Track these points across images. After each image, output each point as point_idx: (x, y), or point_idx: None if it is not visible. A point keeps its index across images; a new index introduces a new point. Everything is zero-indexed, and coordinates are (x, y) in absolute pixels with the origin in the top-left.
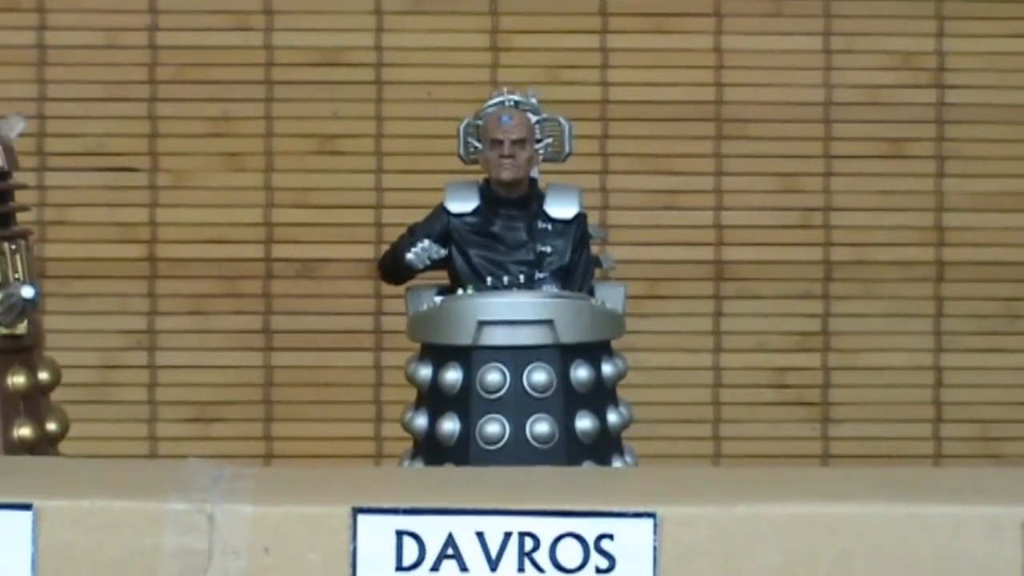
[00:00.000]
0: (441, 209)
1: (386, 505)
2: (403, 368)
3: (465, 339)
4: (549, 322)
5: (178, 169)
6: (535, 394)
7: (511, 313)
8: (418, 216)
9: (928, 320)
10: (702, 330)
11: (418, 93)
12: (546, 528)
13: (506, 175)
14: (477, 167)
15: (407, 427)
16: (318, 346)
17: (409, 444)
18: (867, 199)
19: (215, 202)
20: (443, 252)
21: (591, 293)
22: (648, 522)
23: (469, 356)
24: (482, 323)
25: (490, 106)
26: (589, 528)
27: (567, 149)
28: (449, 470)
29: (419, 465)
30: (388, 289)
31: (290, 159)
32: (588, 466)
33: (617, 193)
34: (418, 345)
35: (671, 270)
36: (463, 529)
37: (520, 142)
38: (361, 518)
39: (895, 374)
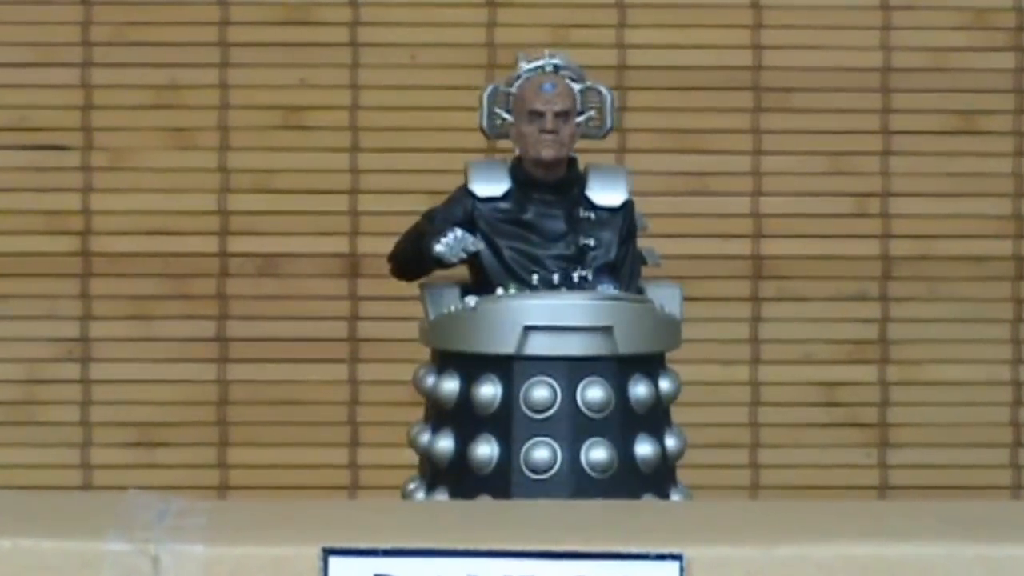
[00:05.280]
0: (464, 192)
1: (362, 545)
2: (384, 383)
3: (507, 347)
4: (608, 329)
5: (116, 147)
6: (590, 414)
7: (563, 317)
8: (401, 203)
9: (1005, 326)
10: (737, 338)
11: (401, 57)
12: (552, 573)
13: (548, 153)
14: (477, 145)
15: (424, 450)
16: (282, 357)
17: (405, 472)
18: (933, 183)
19: (160, 186)
20: (481, 244)
21: (640, 294)
22: (674, 566)
23: (511, 368)
24: (528, 328)
25: (527, 71)
26: (604, 573)
27: (609, 124)
28: (437, 504)
29: (441, 497)
30: (365, 290)
31: (249, 136)
32: (648, 499)
33: (636, 176)
34: (426, 352)
35: (700, 267)
36: (453, 574)
37: (564, 115)
38: (333, 561)
39: (966, 390)
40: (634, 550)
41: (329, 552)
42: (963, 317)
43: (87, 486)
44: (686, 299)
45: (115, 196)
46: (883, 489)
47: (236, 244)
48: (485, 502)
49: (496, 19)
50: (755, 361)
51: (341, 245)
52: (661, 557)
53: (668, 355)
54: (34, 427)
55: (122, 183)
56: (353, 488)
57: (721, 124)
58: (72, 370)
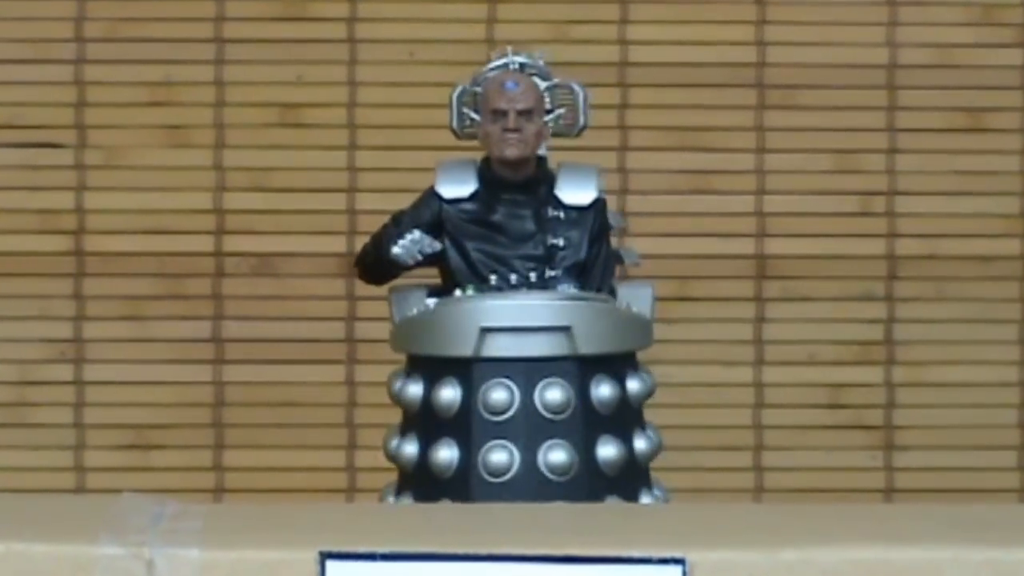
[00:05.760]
0: (431, 194)
1: (360, 549)
2: (382, 384)
3: (465, 349)
4: (566, 329)
5: (110, 145)
6: (549, 415)
7: (520, 318)
8: (399, 202)
9: (1013, 327)
10: (741, 339)
11: (399, 54)
12: None
13: (511, 152)
14: (473, 143)
15: (392, 456)
16: (279, 358)
17: (393, 476)
18: (939, 181)
19: (155, 185)
20: (437, 245)
21: (612, 294)
22: (676, 570)
23: (469, 370)
24: (485, 330)
25: (491, 70)
26: None
27: (581, 121)
28: (436, 507)
29: (407, 502)
30: (364, 290)
31: (245, 133)
32: (612, 502)
33: (638, 174)
34: (403, 357)
35: (703, 266)
36: None
37: (527, 113)
38: (330, 565)
39: (973, 392)
40: (636, 554)
41: (326, 556)
42: (970, 317)
43: (80, 489)
44: (689, 299)
45: (109, 194)
46: (889, 492)
47: (232, 243)
48: (485, 506)
49: (496, 15)
50: (759, 362)
51: (338, 244)
52: (663, 561)
53: (666, 356)
54: (26, 429)
55: (116, 181)
56: (351, 491)
57: (724, 121)
58: (65, 371)
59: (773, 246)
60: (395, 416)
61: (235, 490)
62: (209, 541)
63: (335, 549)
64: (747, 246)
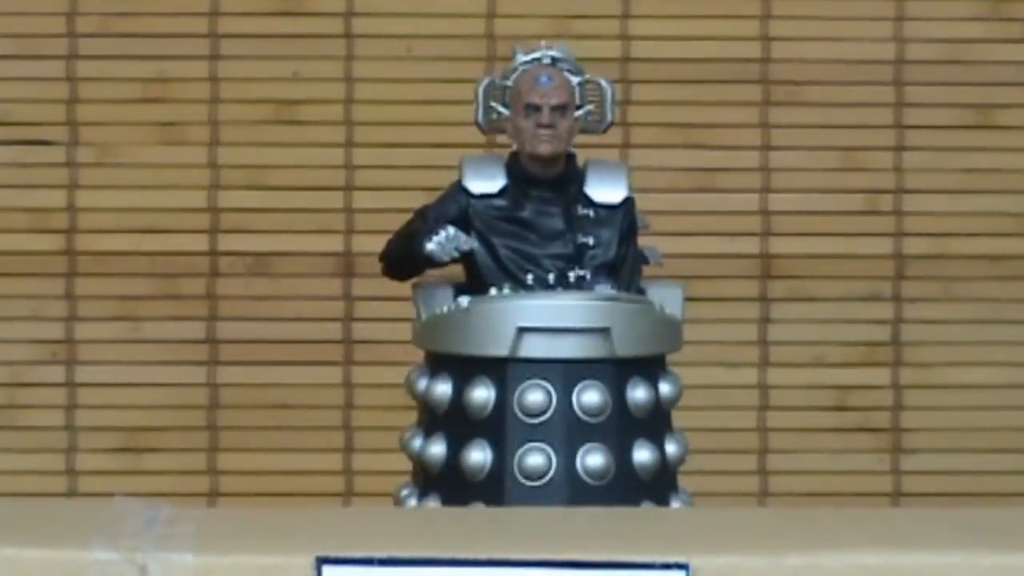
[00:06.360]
0: (459, 189)
1: (357, 554)
2: (380, 386)
3: (500, 349)
4: (605, 330)
5: (103, 142)
6: (586, 418)
7: (559, 318)
8: (397, 200)
9: (1022, 327)
10: (745, 339)
11: (397, 49)
12: None
13: (545, 149)
14: (473, 141)
15: (416, 456)
16: (274, 359)
17: (400, 478)
18: (947, 179)
19: (148, 183)
20: (473, 243)
21: (639, 294)
22: (679, 575)
23: (504, 370)
24: (522, 330)
25: (523, 63)
26: None
27: (609, 118)
28: (434, 511)
29: (433, 503)
30: (361, 290)
31: (240, 130)
32: (647, 507)
33: (640, 172)
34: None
35: (707, 266)
36: None
37: (561, 108)
38: (327, 570)
39: (982, 393)
40: (639, 559)
41: (323, 561)
42: (979, 318)
43: (72, 493)
44: (692, 299)
45: (101, 193)
46: (896, 496)
47: (227, 242)
48: (484, 509)
49: (496, 9)
50: (764, 364)
51: (335, 243)
52: (667, 566)
53: (671, 357)
54: (17, 432)
55: (109, 179)
56: (347, 495)
57: (728, 118)
58: (57, 373)
59: (778, 245)
60: (394, 418)
61: (230, 494)
62: (203, 546)
63: (331, 554)
64: (752, 245)
